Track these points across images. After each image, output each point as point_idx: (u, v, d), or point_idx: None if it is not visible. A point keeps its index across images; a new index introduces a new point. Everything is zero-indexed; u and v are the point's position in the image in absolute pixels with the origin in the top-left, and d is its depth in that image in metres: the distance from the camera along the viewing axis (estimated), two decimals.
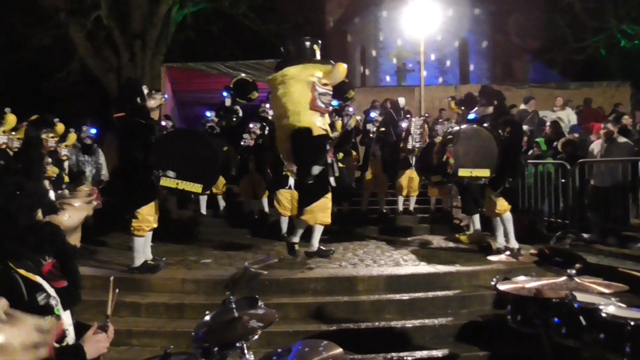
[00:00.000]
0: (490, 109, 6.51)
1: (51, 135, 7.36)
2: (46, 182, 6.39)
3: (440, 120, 12.09)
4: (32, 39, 15.82)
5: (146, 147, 5.51)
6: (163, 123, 7.86)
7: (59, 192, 2.24)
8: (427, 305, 5.26)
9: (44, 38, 15.61)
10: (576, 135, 9.10)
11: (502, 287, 3.10)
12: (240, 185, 9.38)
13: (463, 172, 6.15)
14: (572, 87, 16.45)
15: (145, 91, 5.83)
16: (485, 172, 6.15)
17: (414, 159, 9.04)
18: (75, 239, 2.11)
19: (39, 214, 1.88)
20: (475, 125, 6.41)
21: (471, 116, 6.79)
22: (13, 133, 6.99)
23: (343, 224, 9.07)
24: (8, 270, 1.74)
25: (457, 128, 6.48)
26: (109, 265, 6.11)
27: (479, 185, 6.81)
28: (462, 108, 7.24)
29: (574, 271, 2.94)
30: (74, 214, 2.11)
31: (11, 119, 6.98)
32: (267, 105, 9.76)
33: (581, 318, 2.68)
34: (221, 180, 8.81)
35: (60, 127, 7.66)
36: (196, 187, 5.55)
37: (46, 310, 1.75)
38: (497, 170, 6.17)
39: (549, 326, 2.83)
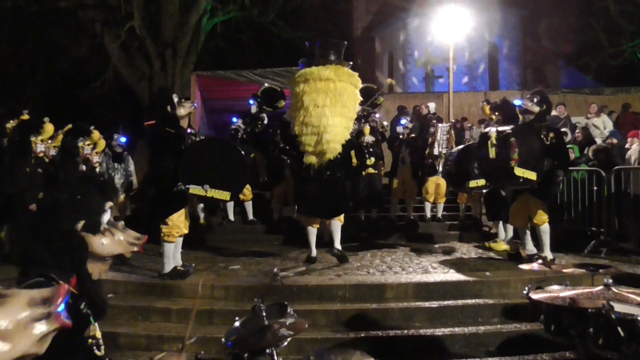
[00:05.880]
0: (536, 109, 6.14)
1: (87, 142, 7.59)
2: None
3: (468, 126, 11.95)
4: (69, 50, 16.38)
5: (176, 156, 5.61)
6: (189, 131, 8.00)
7: (113, 220, 2.15)
8: (457, 313, 5.19)
9: (80, 49, 16.15)
10: (615, 140, 8.83)
11: (535, 296, 3.02)
12: (274, 191, 9.42)
13: (518, 172, 5.76)
14: (608, 93, 15.82)
15: (176, 99, 5.93)
16: (533, 175, 5.81)
17: (440, 165, 8.93)
18: (95, 268, 2.01)
19: (80, 225, 1.89)
20: (527, 126, 6.10)
21: (517, 102, 6.55)
22: (49, 141, 7.24)
23: (371, 230, 9.06)
24: (49, 281, 1.77)
25: (509, 127, 6.04)
26: (140, 271, 6.22)
27: (511, 191, 6.64)
28: (496, 113, 7.06)
29: (611, 280, 2.85)
30: (110, 244, 2.03)
31: (49, 128, 7.24)
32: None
33: (619, 329, 2.59)
34: (247, 187, 8.86)
35: (96, 135, 7.90)
36: (224, 195, 5.64)
37: (87, 318, 1.80)
38: (544, 178, 5.90)
39: (584, 337, 2.75)
